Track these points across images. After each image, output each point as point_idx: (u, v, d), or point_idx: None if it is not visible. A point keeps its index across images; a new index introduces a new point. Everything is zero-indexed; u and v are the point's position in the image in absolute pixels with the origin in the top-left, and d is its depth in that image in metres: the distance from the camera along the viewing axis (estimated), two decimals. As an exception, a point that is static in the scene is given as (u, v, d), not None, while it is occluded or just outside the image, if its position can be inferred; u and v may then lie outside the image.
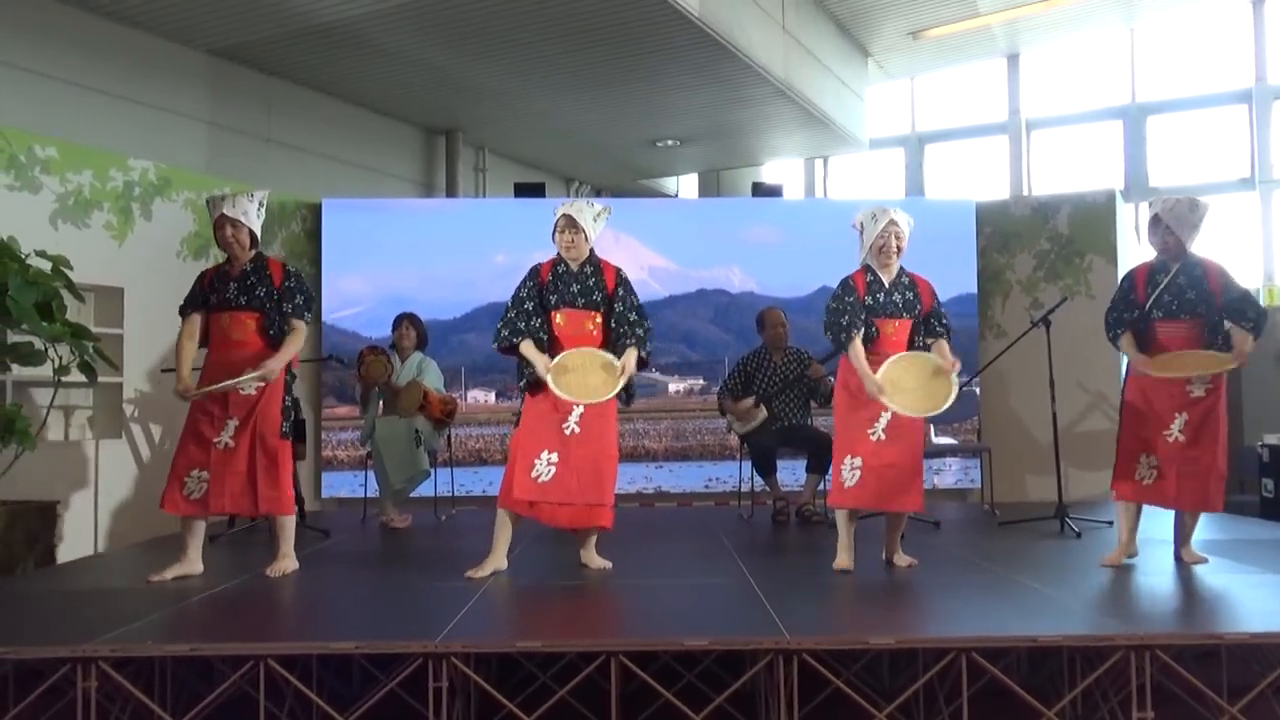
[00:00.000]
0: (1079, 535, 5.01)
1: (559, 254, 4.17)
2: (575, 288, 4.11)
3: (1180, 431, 4.02)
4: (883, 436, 4.03)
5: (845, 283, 4.15)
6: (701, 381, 7.50)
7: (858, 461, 4.03)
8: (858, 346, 4.01)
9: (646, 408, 7.38)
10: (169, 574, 3.99)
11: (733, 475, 6.81)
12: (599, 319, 4.14)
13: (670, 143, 10.61)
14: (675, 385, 7.50)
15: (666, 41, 7.76)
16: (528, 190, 7.73)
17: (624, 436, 7.29)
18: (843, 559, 4.10)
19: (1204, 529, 5.23)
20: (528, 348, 4.02)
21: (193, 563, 4.08)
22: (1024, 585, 3.75)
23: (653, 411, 7.42)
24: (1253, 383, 7.24)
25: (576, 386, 3.92)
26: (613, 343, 4.11)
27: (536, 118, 9.66)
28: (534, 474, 3.96)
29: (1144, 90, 11.33)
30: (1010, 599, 3.54)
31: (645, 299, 4.33)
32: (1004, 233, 7.35)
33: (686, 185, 13.21)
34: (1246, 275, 10.11)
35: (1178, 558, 4.23)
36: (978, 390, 6.86)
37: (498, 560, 4.09)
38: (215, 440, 4.00)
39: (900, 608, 3.55)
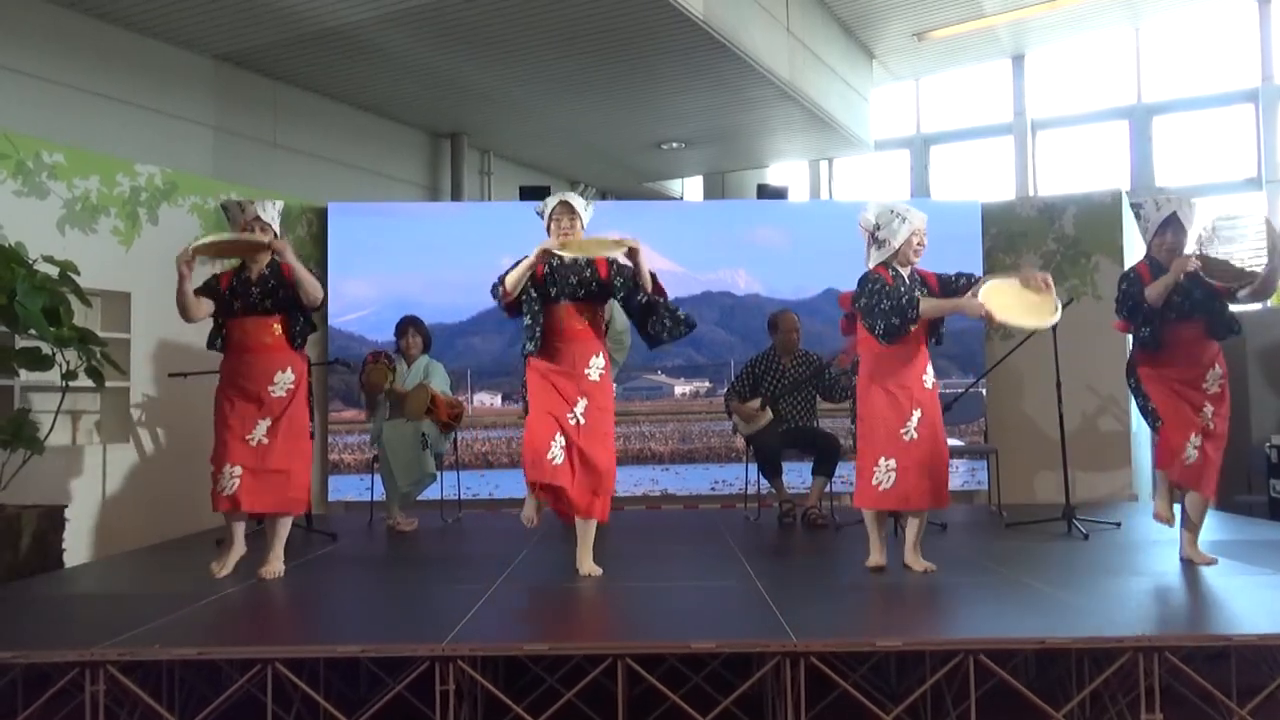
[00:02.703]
0: (1086, 537, 5.00)
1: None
2: (574, 279, 4.11)
3: (1210, 420, 4.09)
4: (915, 435, 3.96)
5: (872, 276, 3.99)
6: (707, 384, 7.49)
7: (892, 463, 3.96)
8: (927, 303, 3.89)
9: (652, 410, 7.38)
10: (228, 567, 4.08)
11: (739, 478, 6.80)
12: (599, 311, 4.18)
13: (675, 145, 10.61)
14: (681, 388, 7.50)
15: (671, 44, 7.77)
16: (533, 194, 7.70)
17: (630, 439, 7.30)
18: (876, 558, 4.09)
19: (1211, 530, 5.21)
20: (523, 264, 4.04)
21: (238, 549, 4.14)
22: (1031, 587, 3.74)
23: (658, 414, 7.41)
24: (1262, 382, 7.21)
25: (583, 249, 4.00)
26: (643, 326, 4.24)
27: (541, 121, 9.68)
28: (550, 456, 3.93)
29: (1149, 90, 11.30)
30: (1018, 601, 3.54)
31: (651, 301, 4.33)
32: (1010, 234, 7.33)
33: (691, 188, 13.22)
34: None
35: (1184, 560, 4.21)
36: (984, 392, 6.85)
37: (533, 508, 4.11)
38: (247, 437, 4.01)
39: (907, 609, 3.54)
